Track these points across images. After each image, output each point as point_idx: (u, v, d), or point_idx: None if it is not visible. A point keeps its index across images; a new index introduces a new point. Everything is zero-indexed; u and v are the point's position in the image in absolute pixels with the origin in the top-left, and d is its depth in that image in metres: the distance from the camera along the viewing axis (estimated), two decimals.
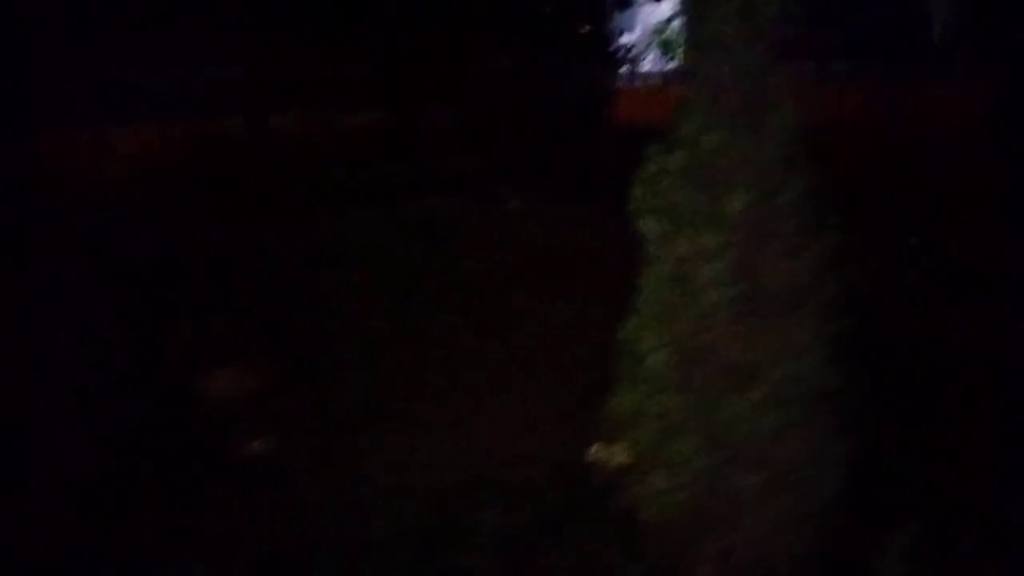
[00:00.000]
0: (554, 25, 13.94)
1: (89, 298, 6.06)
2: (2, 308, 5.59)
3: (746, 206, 2.76)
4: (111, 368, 5.07)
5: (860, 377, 3.16)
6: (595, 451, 3.84)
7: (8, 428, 4.34)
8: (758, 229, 2.79)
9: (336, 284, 7.16)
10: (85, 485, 3.91)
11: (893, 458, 3.86)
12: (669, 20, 16.69)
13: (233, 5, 12.43)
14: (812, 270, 2.82)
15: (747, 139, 2.78)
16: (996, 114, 9.87)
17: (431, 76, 13.95)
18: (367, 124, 13.81)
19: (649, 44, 17.84)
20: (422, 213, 9.58)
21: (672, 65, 18.02)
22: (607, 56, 14.06)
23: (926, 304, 5.98)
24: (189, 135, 11.82)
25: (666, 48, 17.96)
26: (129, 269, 6.80)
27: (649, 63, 18.69)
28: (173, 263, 7.27)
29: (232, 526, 3.65)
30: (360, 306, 6.68)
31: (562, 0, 14.19)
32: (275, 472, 4.20)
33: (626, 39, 15.26)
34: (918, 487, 3.57)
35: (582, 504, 3.53)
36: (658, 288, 2.93)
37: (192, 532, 3.61)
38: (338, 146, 12.83)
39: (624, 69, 15.09)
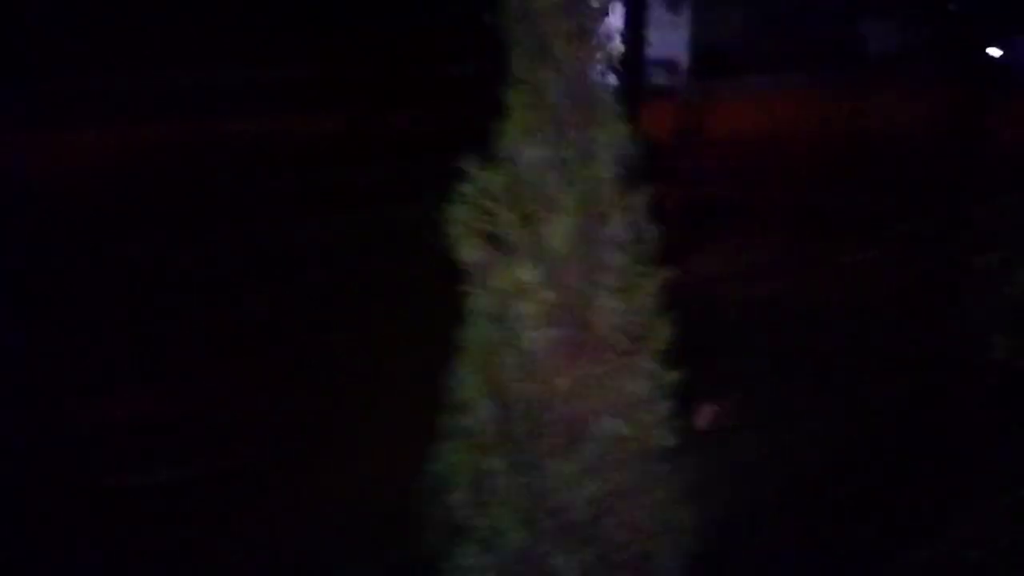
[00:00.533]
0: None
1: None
2: None
3: (571, 234, 2.34)
4: None
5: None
6: None
7: None
8: (585, 261, 2.37)
9: (279, 296, 6.89)
10: None
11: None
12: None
13: (195, 8, 12.22)
14: (649, 310, 2.41)
15: (573, 156, 2.37)
16: (934, 124, 9.96)
17: (394, 81, 13.78)
18: (327, 129, 13.54)
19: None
20: (381, 220, 9.24)
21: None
22: None
23: (865, 317, 6.07)
24: (143, 139, 11.53)
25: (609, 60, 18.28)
26: (75, 273, 6.69)
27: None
28: (118, 271, 7.05)
29: None
30: (303, 318, 6.42)
31: None
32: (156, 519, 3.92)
33: None
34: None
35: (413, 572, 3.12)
36: (479, 327, 2.50)
37: None
38: (298, 151, 12.53)
39: None
